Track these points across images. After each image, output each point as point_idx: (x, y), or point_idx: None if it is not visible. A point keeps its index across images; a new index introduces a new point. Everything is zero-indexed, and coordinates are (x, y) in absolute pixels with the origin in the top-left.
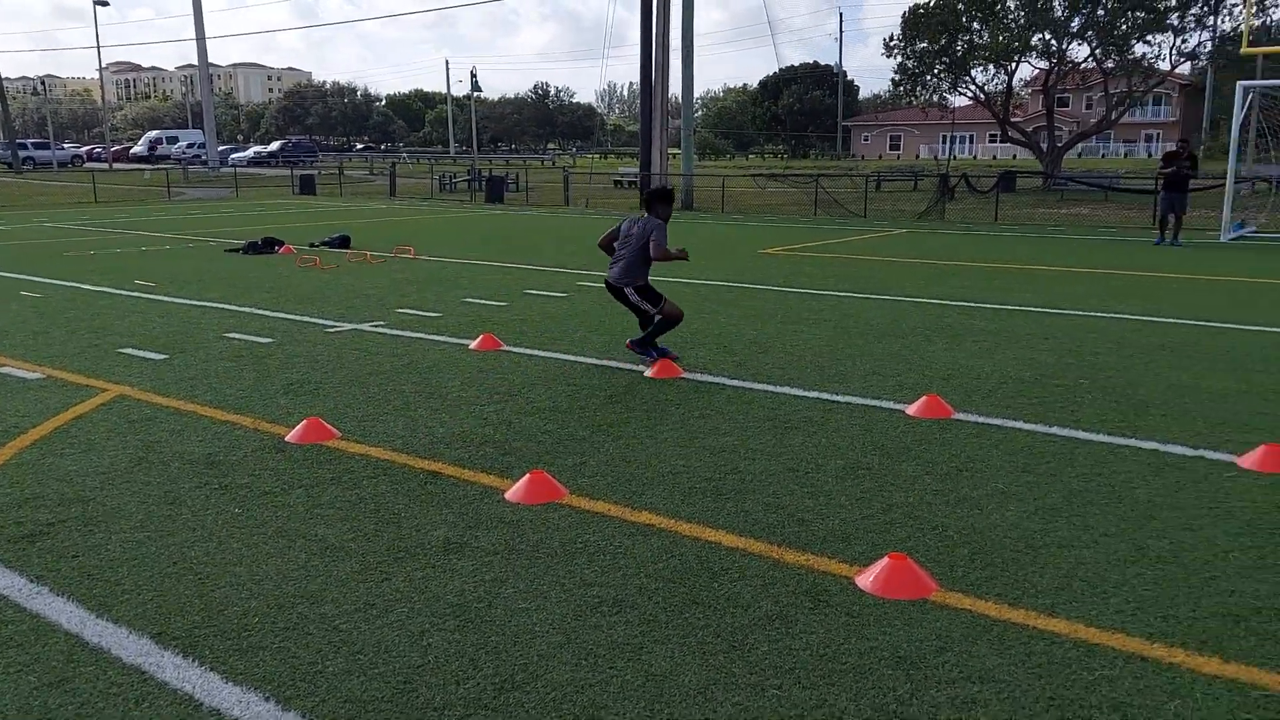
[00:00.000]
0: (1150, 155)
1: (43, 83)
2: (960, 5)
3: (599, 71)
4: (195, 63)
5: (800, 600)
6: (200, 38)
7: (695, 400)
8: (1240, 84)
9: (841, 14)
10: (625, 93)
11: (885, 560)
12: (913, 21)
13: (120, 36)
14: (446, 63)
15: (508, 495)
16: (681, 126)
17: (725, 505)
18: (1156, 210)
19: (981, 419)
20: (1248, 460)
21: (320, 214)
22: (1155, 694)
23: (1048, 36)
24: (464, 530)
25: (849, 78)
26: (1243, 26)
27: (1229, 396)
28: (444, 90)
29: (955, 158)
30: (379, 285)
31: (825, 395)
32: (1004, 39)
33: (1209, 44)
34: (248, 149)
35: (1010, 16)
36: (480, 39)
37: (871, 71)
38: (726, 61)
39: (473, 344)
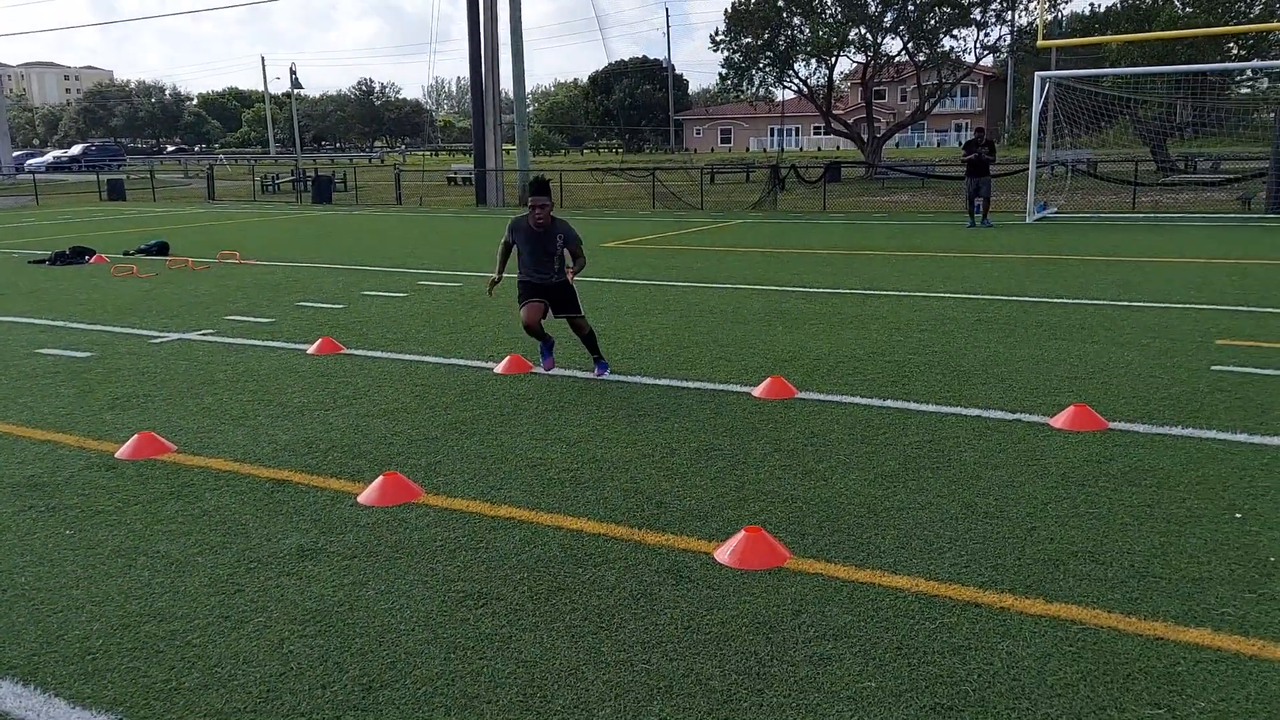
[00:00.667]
0: (960, 144)
1: None
2: (780, 1)
3: (426, 67)
4: None
5: (663, 578)
6: None
7: (548, 394)
8: (1038, 75)
9: (668, 9)
10: (454, 88)
11: (741, 534)
12: (736, 17)
13: None
14: (263, 59)
15: (361, 499)
16: (515, 122)
17: (585, 493)
18: (966, 196)
19: (822, 396)
20: (1059, 420)
21: (133, 220)
22: (989, 636)
23: (864, 31)
24: (317, 536)
25: (678, 72)
26: (1038, 21)
27: (1041, 364)
28: (261, 88)
29: (784, 150)
30: (204, 293)
31: (675, 382)
32: (823, 34)
33: (1009, 37)
34: (46, 154)
35: (828, 12)
36: (298, 34)
37: (700, 65)
38: (556, 56)
39: (311, 348)
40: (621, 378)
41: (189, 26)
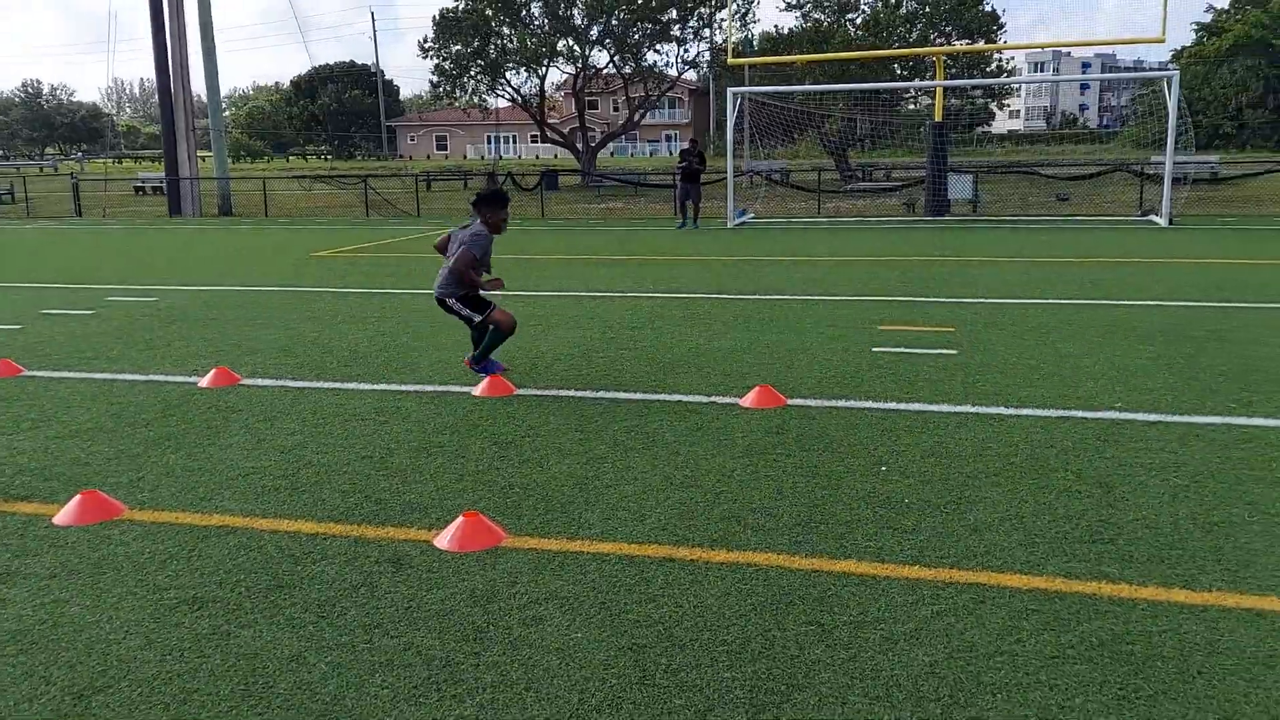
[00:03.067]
0: (670, 154)
1: None
2: (489, 11)
3: (104, 67)
4: None
5: (383, 567)
6: None
7: (259, 405)
8: (730, 90)
9: (373, 13)
10: (137, 90)
11: (459, 519)
12: (444, 24)
13: None
14: None
15: (56, 520)
16: (210, 127)
17: (302, 497)
18: (676, 199)
19: (540, 392)
20: (747, 400)
21: None
22: (680, 584)
23: (572, 43)
24: (10, 560)
25: (389, 78)
26: (728, 40)
27: (736, 353)
28: None
29: (502, 158)
30: None
31: (393, 386)
32: (533, 44)
33: (707, 53)
34: None
35: (535, 23)
36: None
37: (412, 71)
38: (255, 58)
39: None
40: (338, 385)
41: None
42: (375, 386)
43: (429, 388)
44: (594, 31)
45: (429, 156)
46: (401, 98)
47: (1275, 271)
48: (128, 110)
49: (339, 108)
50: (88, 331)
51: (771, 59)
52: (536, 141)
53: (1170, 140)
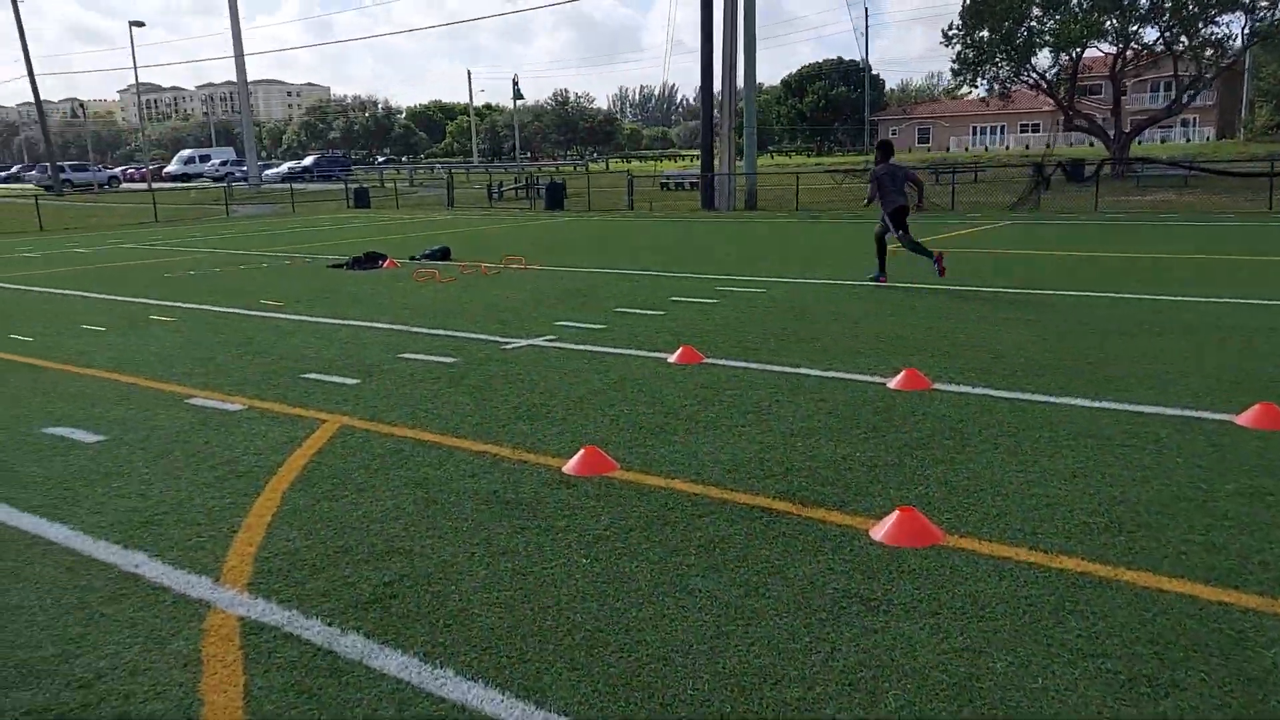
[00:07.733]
0: (1189, 140)
1: (82, 105)
2: None
3: (613, 76)
4: (214, 82)
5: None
6: (239, 55)
7: (977, 416)
8: None
9: (867, 8)
10: (636, 96)
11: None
12: (973, 10)
13: (140, 58)
14: (469, 74)
15: (875, 534)
16: (745, 123)
17: (1141, 542)
18: None
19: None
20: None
21: (388, 226)
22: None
23: (1114, 20)
24: (868, 582)
25: (875, 71)
26: None
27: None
28: (462, 100)
29: (1049, 147)
30: (514, 298)
31: (1139, 408)
32: (1076, 26)
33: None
34: (280, 165)
35: (1075, 1)
36: (494, 48)
37: (891, 64)
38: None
39: (672, 357)
40: (1068, 400)
41: (396, 43)
42: (1118, 406)
43: (1192, 412)
44: (1143, 3)
45: (910, 149)
46: (885, 90)
47: None
48: (628, 115)
49: (824, 104)
50: (731, 320)
51: None
52: (1025, 131)
53: None
